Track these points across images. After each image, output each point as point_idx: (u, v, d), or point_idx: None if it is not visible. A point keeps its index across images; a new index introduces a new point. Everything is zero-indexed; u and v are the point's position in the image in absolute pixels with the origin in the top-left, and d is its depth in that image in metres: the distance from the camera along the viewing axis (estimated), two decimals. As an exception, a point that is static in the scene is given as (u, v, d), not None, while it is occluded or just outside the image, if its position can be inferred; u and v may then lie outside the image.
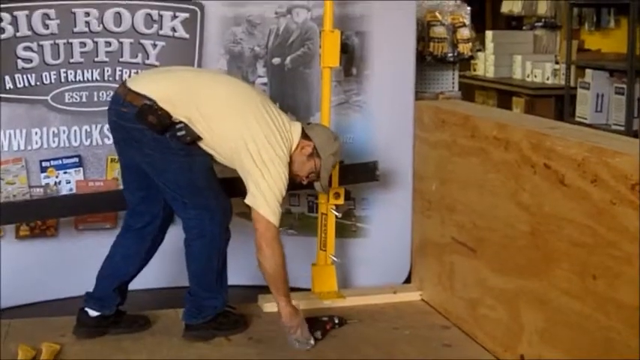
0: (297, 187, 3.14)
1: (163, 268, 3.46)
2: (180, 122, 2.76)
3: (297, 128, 2.96)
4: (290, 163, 2.87)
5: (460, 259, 3.23)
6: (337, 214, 3.56)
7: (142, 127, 2.77)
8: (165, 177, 2.87)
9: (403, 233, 3.77)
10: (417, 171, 3.62)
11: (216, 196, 2.93)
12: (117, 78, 3.56)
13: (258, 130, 2.77)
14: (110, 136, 3.18)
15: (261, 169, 2.75)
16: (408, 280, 3.74)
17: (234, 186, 3.02)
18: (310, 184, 3.10)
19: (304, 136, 2.96)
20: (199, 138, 2.79)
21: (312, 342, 2.95)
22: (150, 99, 2.75)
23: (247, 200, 2.81)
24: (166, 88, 2.82)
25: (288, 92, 3.74)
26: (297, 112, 3.72)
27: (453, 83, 4.29)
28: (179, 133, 2.76)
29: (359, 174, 3.63)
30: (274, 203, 2.75)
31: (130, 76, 3.50)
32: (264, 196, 2.75)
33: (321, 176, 2.99)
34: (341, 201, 3.56)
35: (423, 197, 3.57)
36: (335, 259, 3.58)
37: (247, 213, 3.02)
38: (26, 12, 3.41)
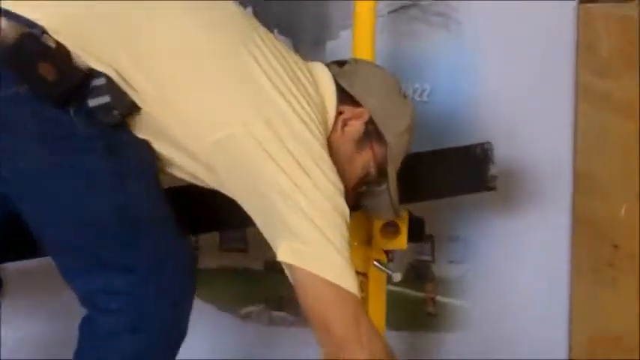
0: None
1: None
2: (101, 75, 2.36)
3: (325, 79, 2.59)
4: None
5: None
6: (390, 273, 2.89)
7: (16, 90, 2.36)
8: (60, 205, 2.45)
9: (551, 319, 3.43)
10: (581, 171, 3.34)
11: (168, 241, 2.51)
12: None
13: (274, 97, 2.40)
14: None
15: (298, 182, 2.36)
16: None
17: (199, 207, 2.76)
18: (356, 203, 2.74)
19: (343, 96, 2.58)
20: (133, 107, 2.42)
21: None
22: (35, 25, 2.36)
23: (284, 256, 2.38)
24: (68, 9, 2.43)
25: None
26: (300, 38, 3.35)
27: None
28: (97, 102, 2.35)
29: (451, 175, 3.06)
30: (347, 253, 2.36)
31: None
32: (327, 240, 2.37)
33: (389, 178, 2.63)
34: (401, 243, 2.90)
35: (597, 235, 3.31)
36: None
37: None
38: None
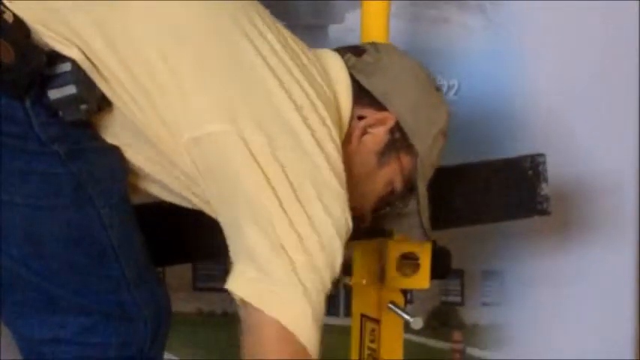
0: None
1: None
2: (66, 60, 2.18)
3: (339, 73, 2.37)
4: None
5: None
6: (409, 318, 2.66)
7: None
8: (3, 221, 2.22)
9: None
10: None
11: (136, 276, 2.27)
12: None
13: (275, 89, 2.18)
14: None
15: (284, 200, 2.10)
16: None
17: (168, 230, 2.43)
18: (373, 229, 2.53)
19: (361, 95, 2.35)
20: (103, 102, 2.20)
21: None
22: None
23: (233, 285, 2.11)
24: None
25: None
26: (295, 21, 3.24)
27: None
28: (60, 93, 2.18)
29: (491, 195, 2.82)
30: (318, 288, 2.12)
31: None
32: (298, 280, 2.10)
33: (419, 195, 2.42)
34: (423, 281, 2.72)
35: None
36: None
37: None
38: None
